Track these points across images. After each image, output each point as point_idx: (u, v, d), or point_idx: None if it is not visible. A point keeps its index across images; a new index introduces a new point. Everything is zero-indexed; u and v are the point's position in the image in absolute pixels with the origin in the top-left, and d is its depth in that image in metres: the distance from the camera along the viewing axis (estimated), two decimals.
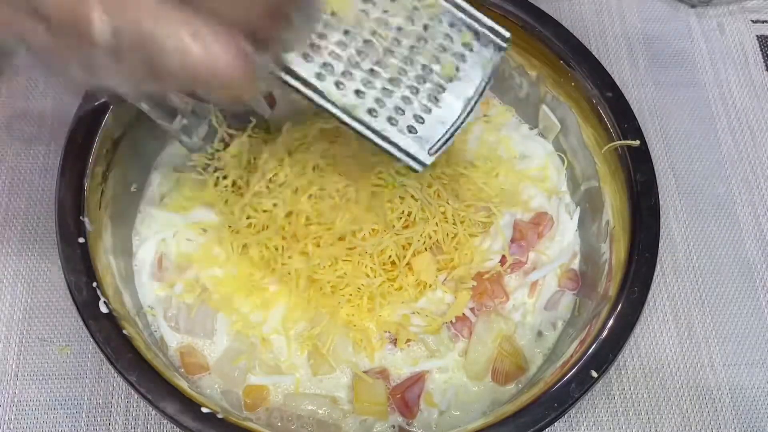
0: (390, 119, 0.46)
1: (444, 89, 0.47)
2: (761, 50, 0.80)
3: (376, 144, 0.46)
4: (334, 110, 0.45)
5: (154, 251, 0.63)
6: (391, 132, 0.46)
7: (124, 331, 0.53)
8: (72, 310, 0.54)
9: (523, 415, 0.52)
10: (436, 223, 0.61)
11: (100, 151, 0.59)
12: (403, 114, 0.46)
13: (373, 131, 0.46)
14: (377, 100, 0.46)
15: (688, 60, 0.79)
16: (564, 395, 0.52)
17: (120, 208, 0.62)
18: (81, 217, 0.56)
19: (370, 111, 0.45)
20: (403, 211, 0.59)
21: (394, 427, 0.59)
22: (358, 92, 0.45)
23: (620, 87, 0.63)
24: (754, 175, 0.73)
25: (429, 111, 0.46)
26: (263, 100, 0.71)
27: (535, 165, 0.69)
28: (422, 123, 0.46)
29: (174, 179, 0.66)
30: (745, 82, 0.78)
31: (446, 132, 0.47)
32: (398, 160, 0.46)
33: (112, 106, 0.59)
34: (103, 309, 0.53)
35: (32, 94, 0.72)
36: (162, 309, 0.61)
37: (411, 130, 0.46)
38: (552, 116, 0.67)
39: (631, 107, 0.62)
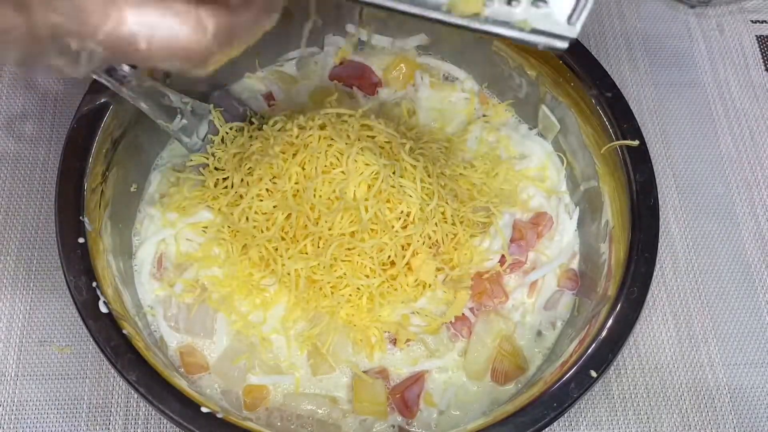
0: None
1: None
2: (760, 50, 0.80)
3: (501, 36, 0.37)
4: (437, 16, 0.36)
5: (153, 251, 0.63)
6: (515, 14, 0.36)
7: (124, 331, 0.53)
8: (72, 310, 0.55)
9: (522, 414, 0.52)
10: (436, 223, 0.61)
11: (99, 151, 0.59)
12: None
13: (494, 22, 0.37)
14: None
15: (687, 60, 0.79)
16: (563, 395, 0.52)
17: (120, 208, 0.62)
18: (81, 217, 0.56)
19: None
20: (402, 211, 0.59)
21: (393, 426, 0.59)
22: None
23: (620, 87, 0.63)
24: (754, 175, 0.73)
25: None
26: (261, 98, 0.71)
27: (534, 165, 0.69)
28: None
29: (174, 179, 0.66)
30: (745, 82, 0.78)
31: None
32: (534, 45, 0.37)
33: (112, 107, 0.59)
34: (103, 309, 0.53)
35: (32, 94, 0.72)
36: (162, 309, 0.61)
37: (536, 4, 0.37)
38: (551, 116, 0.68)
39: (631, 107, 0.62)
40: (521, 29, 0.37)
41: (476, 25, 0.37)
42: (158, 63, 0.33)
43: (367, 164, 0.59)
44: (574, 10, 0.37)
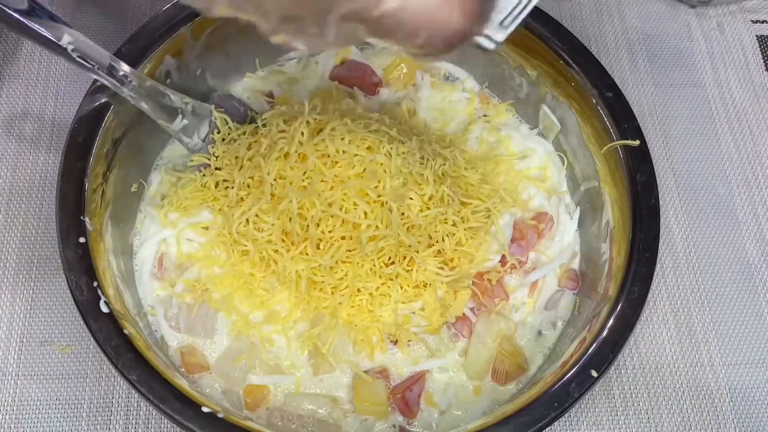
0: None
1: None
2: (761, 50, 0.80)
3: None
4: None
5: (154, 251, 0.63)
6: None
7: (125, 331, 0.53)
8: (73, 309, 0.55)
9: (523, 414, 0.52)
10: (437, 224, 0.61)
11: (100, 152, 0.59)
12: None
13: None
14: None
15: (687, 60, 0.79)
16: (564, 395, 0.53)
17: (120, 208, 0.62)
18: (81, 217, 0.56)
19: None
20: (403, 213, 0.59)
21: (394, 426, 0.59)
22: None
23: (620, 87, 0.63)
24: (754, 175, 0.73)
25: None
26: (262, 98, 0.71)
27: (535, 165, 0.69)
28: None
29: (174, 179, 0.66)
30: (745, 82, 0.78)
31: (520, 2, 0.38)
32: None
33: (113, 107, 0.59)
34: (104, 309, 0.53)
35: (32, 94, 0.72)
36: (162, 309, 0.61)
37: None
38: (552, 116, 0.68)
39: (631, 107, 0.62)
40: None
41: None
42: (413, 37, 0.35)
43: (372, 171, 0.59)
44: (509, 15, 0.38)
